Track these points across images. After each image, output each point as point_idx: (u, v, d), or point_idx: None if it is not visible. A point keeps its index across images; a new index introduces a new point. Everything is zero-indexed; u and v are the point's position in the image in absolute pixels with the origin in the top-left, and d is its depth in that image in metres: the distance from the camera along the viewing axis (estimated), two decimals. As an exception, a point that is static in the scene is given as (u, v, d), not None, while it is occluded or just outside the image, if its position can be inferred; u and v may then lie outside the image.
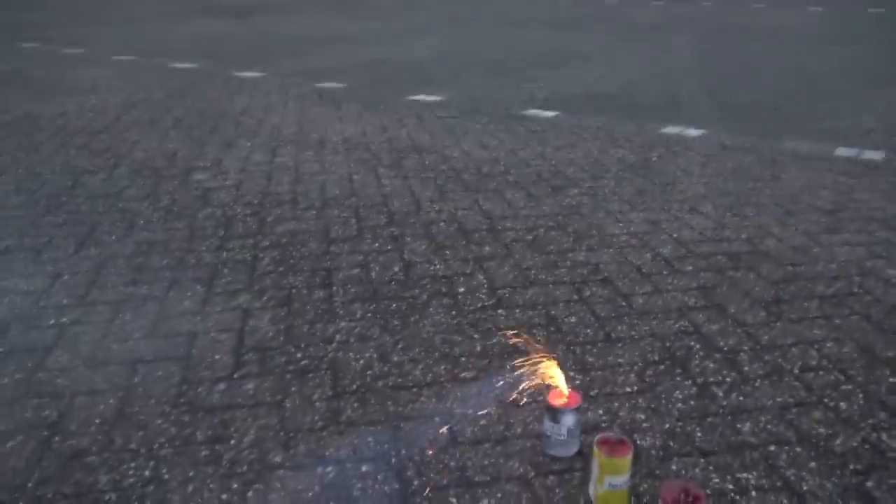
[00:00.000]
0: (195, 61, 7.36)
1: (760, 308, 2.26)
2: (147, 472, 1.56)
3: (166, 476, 1.55)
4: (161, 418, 1.75)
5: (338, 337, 2.10)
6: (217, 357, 2.00)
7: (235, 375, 1.92)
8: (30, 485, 1.53)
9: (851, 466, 1.57)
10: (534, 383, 1.78)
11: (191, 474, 1.56)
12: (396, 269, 2.55)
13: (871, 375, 1.91)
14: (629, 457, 1.44)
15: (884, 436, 1.67)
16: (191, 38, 9.30)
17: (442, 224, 2.97)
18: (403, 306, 2.28)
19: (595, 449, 1.45)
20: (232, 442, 1.66)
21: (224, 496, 1.49)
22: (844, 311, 2.25)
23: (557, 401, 1.59)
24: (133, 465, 1.59)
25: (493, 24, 10.85)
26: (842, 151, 4.10)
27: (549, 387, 1.64)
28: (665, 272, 2.53)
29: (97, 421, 1.74)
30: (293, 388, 1.86)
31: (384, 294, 2.36)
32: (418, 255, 2.66)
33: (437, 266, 2.57)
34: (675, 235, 2.86)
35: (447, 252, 2.69)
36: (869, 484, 1.52)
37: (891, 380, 1.89)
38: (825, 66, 7.12)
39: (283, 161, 3.86)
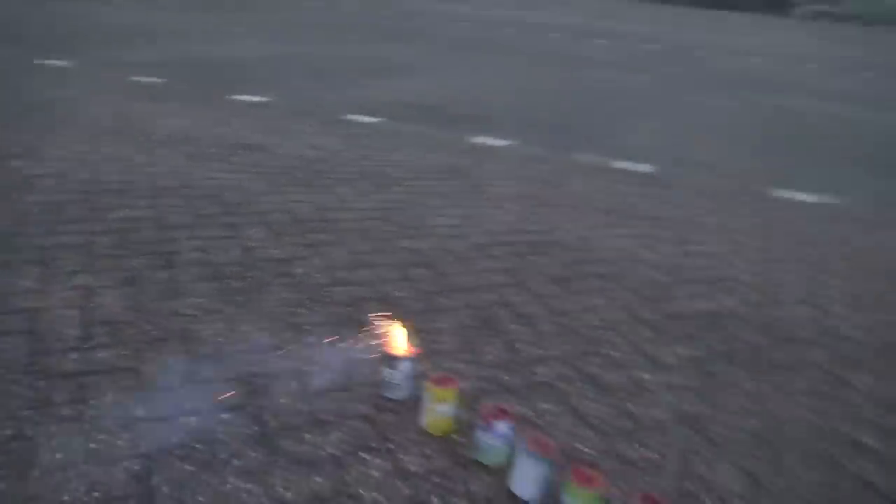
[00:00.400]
0: (-12, 45, 6.84)
1: (553, 283, 2.74)
2: (9, 431, 1.65)
3: (30, 433, 1.66)
4: (15, 385, 1.83)
5: (186, 311, 2.26)
6: (65, 330, 2.08)
7: (86, 346, 2.02)
8: None
9: (621, 394, 2.04)
10: (374, 342, 2.09)
11: (54, 429, 1.67)
12: (237, 252, 2.73)
13: (635, 332, 2.42)
14: (454, 389, 1.79)
15: (643, 374, 2.17)
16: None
17: (276, 214, 3.18)
18: (246, 285, 2.47)
19: (427, 384, 1.79)
20: (92, 402, 1.79)
21: (92, 446, 1.63)
22: (616, 285, 2.78)
23: (395, 352, 1.91)
24: (-4, 422, 1.67)
25: (314, 31, 11.01)
26: (619, 164, 4.82)
27: (387, 343, 1.94)
28: (477, 256, 2.94)
29: (-50, 387, 1.78)
30: (148, 355, 2.00)
31: (226, 274, 2.54)
32: (256, 241, 2.86)
33: (275, 251, 2.79)
34: (485, 227, 3.29)
35: (285, 238, 2.91)
36: (630, 405, 1.99)
37: (648, 334, 2.42)
38: (610, 90, 8.13)
39: (108, 151, 3.83)
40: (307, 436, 1.74)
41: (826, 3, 50.84)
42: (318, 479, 1.60)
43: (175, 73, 6.31)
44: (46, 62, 6.32)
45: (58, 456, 1.58)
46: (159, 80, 5.97)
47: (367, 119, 5.38)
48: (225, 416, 1.78)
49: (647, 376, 2.17)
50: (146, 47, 7.71)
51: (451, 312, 2.43)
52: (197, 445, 1.66)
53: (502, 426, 1.69)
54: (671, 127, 6.40)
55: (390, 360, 1.90)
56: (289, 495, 1.54)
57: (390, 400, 1.90)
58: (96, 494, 1.48)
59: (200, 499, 1.50)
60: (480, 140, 5.09)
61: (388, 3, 18.21)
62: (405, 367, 1.90)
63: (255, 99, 5.65)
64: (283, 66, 7.47)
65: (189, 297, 2.34)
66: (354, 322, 2.27)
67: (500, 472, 1.67)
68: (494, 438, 1.70)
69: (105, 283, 2.39)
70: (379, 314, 2.32)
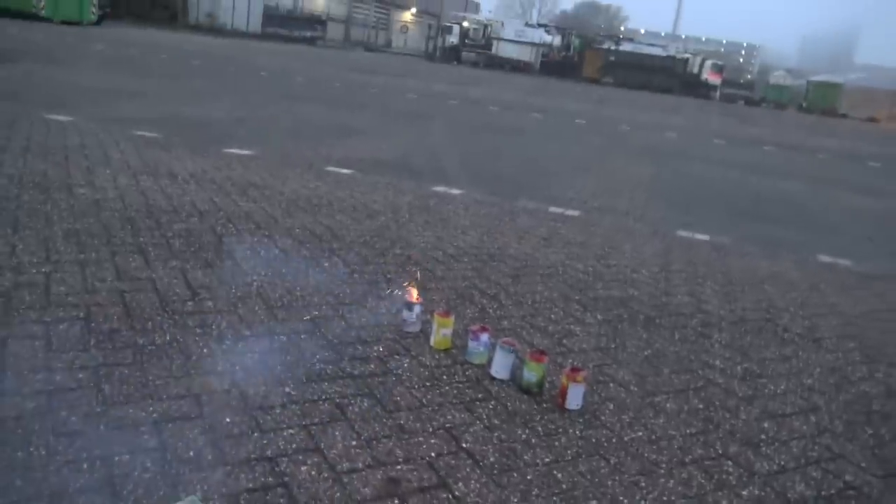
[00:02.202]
0: (-7, 100, 7.60)
1: (508, 278, 3.79)
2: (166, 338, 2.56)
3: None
4: (159, 319, 2.73)
5: (254, 278, 3.19)
6: (178, 290, 3.00)
7: (195, 299, 2.94)
8: None
9: (557, 336, 3.07)
10: (398, 293, 3.09)
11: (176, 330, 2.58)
12: (276, 252, 3.69)
13: (567, 306, 3.48)
14: (452, 318, 2.79)
15: (573, 327, 3.21)
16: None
17: (297, 231, 4.15)
18: (288, 275, 3.42)
19: (433, 316, 2.79)
20: (198, 330, 2.71)
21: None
22: (553, 280, 3.85)
23: (411, 299, 2.91)
24: None
25: (277, 98, 12.07)
26: (553, 209, 5.96)
27: (407, 294, 2.94)
28: (452, 262, 3.97)
29: None
30: (232, 307, 2.93)
31: (273, 270, 3.49)
32: (290, 249, 3.81)
33: (306, 252, 3.75)
34: (454, 244, 4.34)
35: (308, 247, 3.88)
36: (565, 341, 3.02)
37: (576, 307, 3.48)
38: (545, 155, 9.42)
39: (147, 185, 4.74)
40: (360, 347, 2.71)
41: (743, 87, 55.27)
42: (371, 366, 2.56)
43: (168, 129, 7.21)
44: (52, 117, 7.14)
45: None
46: (158, 135, 6.87)
47: (343, 170, 6.40)
48: (304, 337, 2.73)
49: (575, 328, 3.21)
50: (133, 107, 8.59)
51: (438, 292, 3.44)
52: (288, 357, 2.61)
53: (485, 336, 2.70)
54: (596, 184, 7.64)
55: (409, 304, 2.90)
56: (356, 372, 2.50)
57: (408, 333, 2.89)
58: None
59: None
60: (439, 188, 6.17)
61: (336, 76, 19.51)
62: (418, 309, 2.90)
63: (245, 152, 6.61)
64: (258, 127, 8.48)
65: (250, 276, 3.28)
66: (380, 288, 3.25)
67: (483, 367, 2.67)
68: (479, 345, 2.70)
69: (189, 266, 3.30)
70: (404, 280, 3.31)
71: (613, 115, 19.23)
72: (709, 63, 49.50)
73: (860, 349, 3.48)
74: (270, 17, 42.70)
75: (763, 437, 2.49)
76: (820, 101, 46.31)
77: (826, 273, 4.99)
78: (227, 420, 2.13)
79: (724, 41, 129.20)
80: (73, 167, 4.96)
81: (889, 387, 3.07)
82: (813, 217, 7.49)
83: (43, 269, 3.06)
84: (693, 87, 46.76)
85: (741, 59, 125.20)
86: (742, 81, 63.43)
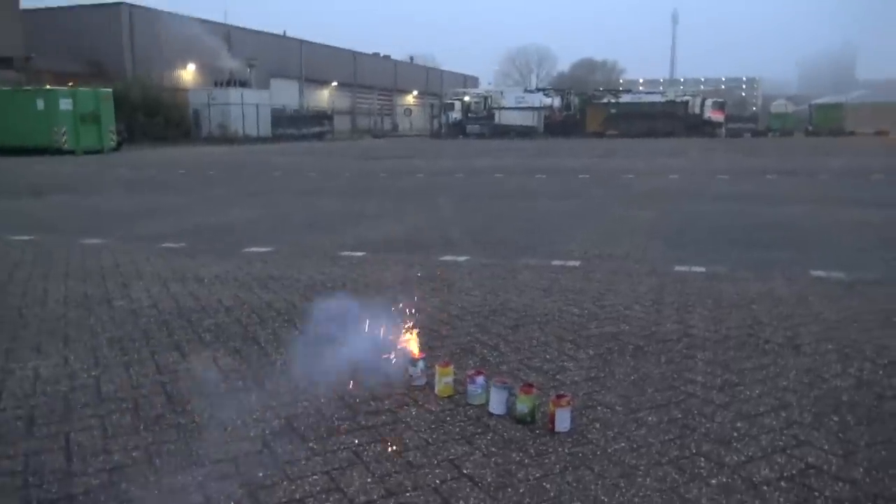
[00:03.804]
0: (31, 234, 8.25)
1: (506, 328, 4.15)
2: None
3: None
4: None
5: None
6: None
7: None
8: None
9: (551, 373, 3.41)
10: (404, 352, 3.46)
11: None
12: (295, 331, 4.09)
13: (561, 346, 3.82)
14: (451, 367, 3.16)
15: (566, 364, 3.55)
16: (3, 215, 10.04)
17: (314, 312, 4.57)
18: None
19: (436, 367, 3.15)
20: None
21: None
22: (549, 325, 4.20)
23: (414, 356, 3.28)
24: None
25: (290, 196, 12.76)
26: (555, 262, 6.34)
27: (410, 352, 3.32)
28: (456, 321, 4.35)
29: None
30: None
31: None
32: (319, 325, 4.22)
33: (319, 329, 4.15)
34: (458, 305, 4.72)
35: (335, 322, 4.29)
36: (558, 376, 3.36)
37: (569, 346, 3.82)
38: (548, 213, 9.86)
39: (177, 290, 5.22)
40: (372, 403, 3.07)
41: (748, 121, 55.93)
42: (383, 417, 2.92)
43: (191, 239, 7.78)
44: (86, 242, 7.74)
45: (241, 419, 2.88)
46: (183, 245, 7.42)
47: (356, 253, 6.87)
48: (323, 401, 3.10)
49: (568, 364, 3.55)
50: (157, 223, 9.23)
51: (443, 348, 3.80)
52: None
53: (480, 379, 3.05)
54: (597, 234, 8.01)
55: (412, 362, 3.27)
56: (364, 423, 2.86)
57: (415, 386, 3.25)
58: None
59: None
60: (446, 258, 6.59)
61: (345, 167, 20.39)
62: (421, 365, 3.27)
63: (264, 249, 7.12)
64: (275, 224, 9.05)
65: (274, 356, 3.68)
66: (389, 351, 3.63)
67: (483, 407, 3.01)
68: (477, 388, 3.05)
69: (220, 354, 3.72)
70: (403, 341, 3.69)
71: (616, 166, 19.76)
72: (709, 102, 50.41)
73: (837, 350, 3.75)
74: (278, 119, 44.59)
75: (735, 434, 2.78)
76: (825, 122, 46.76)
77: (816, 286, 5.27)
78: (260, 474, 2.49)
79: (724, 78, 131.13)
80: (109, 284, 5.47)
81: (860, 379, 3.35)
82: (809, 236, 7.77)
83: (93, 373, 3.50)
84: (697, 127, 47.49)
85: (743, 94, 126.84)
86: (748, 115, 64.23)
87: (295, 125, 45.77)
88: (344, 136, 49.75)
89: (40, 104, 26.47)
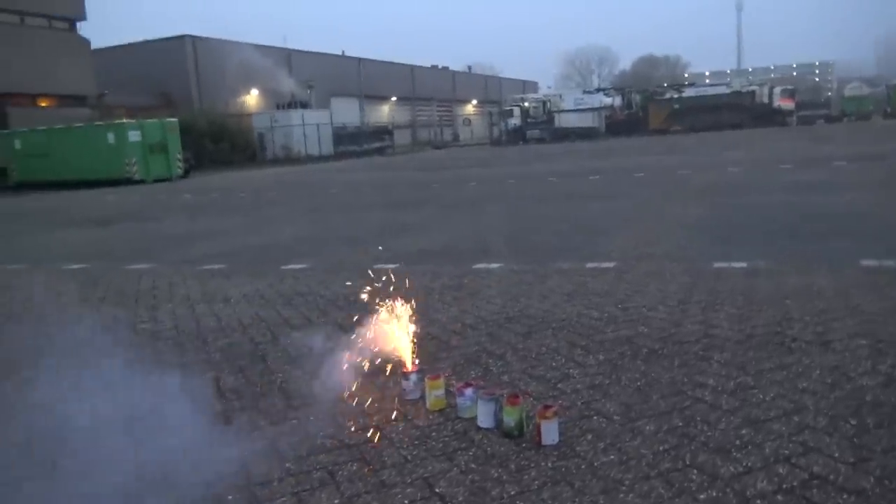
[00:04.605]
0: (84, 262, 8.56)
1: (518, 336, 4.01)
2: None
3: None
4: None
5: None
6: (209, 397, 3.39)
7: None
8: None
9: (553, 381, 3.25)
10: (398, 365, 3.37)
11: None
12: (304, 348, 4.06)
13: (571, 352, 3.66)
14: (442, 380, 3.05)
15: (571, 371, 3.38)
16: (66, 245, 10.48)
17: (328, 326, 4.53)
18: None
19: (426, 379, 3.05)
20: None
21: (241, 437, 2.89)
22: (563, 331, 4.04)
23: (407, 369, 3.18)
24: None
25: (341, 212, 12.88)
26: (589, 265, 6.13)
27: (403, 365, 3.23)
28: (468, 331, 4.23)
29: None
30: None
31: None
32: (312, 342, 4.18)
33: (329, 345, 4.11)
34: (475, 314, 4.60)
35: (334, 338, 4.24)
36: (560, 385, 3.20)
37: (579, 352, 3.64)
38: (594, 215, 9.61)
39: (202, 310, 5.29)
40: (361, 419, 2.99)
41: (821, 106, 53.71)
42: (368, 434, 2.84)
43: (233, 259, 7.90)
44: (132, 267, 7.97)
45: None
46: (223, 266, 7.55)
47: (389, 265, 6.81)
48: (311, 419, 3.04)
49: (573, 371, 3.38)
50: (206, 245, 9.43)
51: (449, 359, 3.70)
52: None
53: (469, 391, 2.93)
54: (640, 234, 7.74)
55: (405, 375, 3.18)
56: (348, 440, 2.78)
57: (408, 400, 3.15)
58: (250, 449, 2.73)
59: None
60: (479, 266, 6.47)
61: (401, 179, 20.51)
62: (414, 378, 3.17)
63: (300, 266, 7.16)
64: (319, 240, 9.12)
65: (275, 374, 3.65)
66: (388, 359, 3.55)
67: (473, 421, 2.88)
68: (466, 400, 2.93)
69: (224, 374, 3.71)
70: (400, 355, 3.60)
71: (675, 162, 19.19)
72: (778, 90, 48.61)
73: (870, 345, 3.46)
74: (340, 136, 45.36)
75: (737, 443, 2.57)
76: (904, 102, 44.31)
77: (861, 277, 4.91)
78: (230, 497, 2.44)
79: (794, 65, 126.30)
80: (140, 307, 5.60)
81: (890, 377, 3.06)
82: (868, 225, 7.29)
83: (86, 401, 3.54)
84: (766, 116, 45.81)
85: (816, 79, 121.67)
86: (822, 100, 61.59)
87: (356, 142, 46.46)
88: (404, 150, 50.16)
89: (111, 138, 27.69)
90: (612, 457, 2.54)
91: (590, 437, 2.71)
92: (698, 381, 3.16)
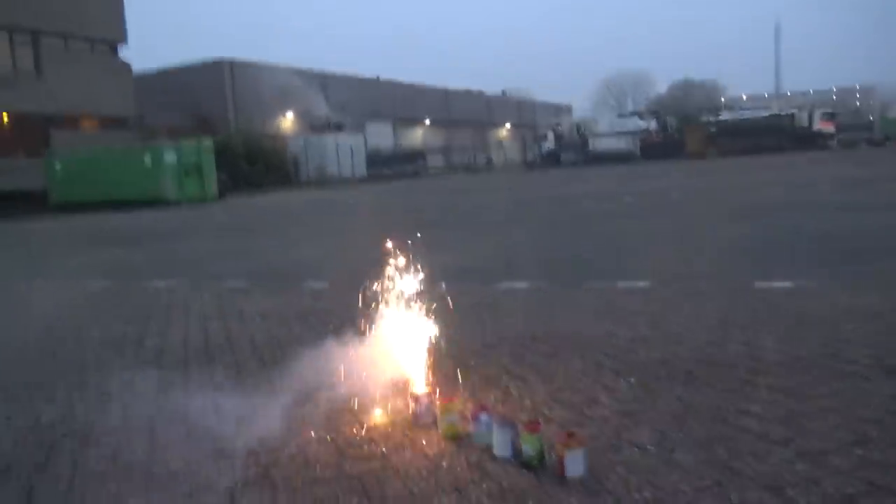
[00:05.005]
0: (110, 279, 8.46)
1: (543, 357, 3.69)
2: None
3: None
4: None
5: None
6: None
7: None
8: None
9: (580, 406, 2.94)
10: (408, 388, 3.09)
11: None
12: (311, 362, 3.80)
13: (599, 374, 3.34)
14: (456, 403, 2.75)
15: (599, 395, 3.07)
16: (91, 265, 10.42)
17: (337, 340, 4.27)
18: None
19: (437, 403, 2.76)
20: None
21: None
22: (592, 352, 3.72)
23: (418, 393, 2.90)
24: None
25: (368, 233, 12.69)
26: (621, 284, 5.80)
27: (414, 388, 2.95)
28: (489, 350, 3.93)
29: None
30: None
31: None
32: (319, 357, 3.92)
33: (337, 361, 3.84)
34: (497, 334, 4.30)
35: (341, 354, 3.98)
36: (586, 410, 2.88)
37: (609, 375, 3.32)
38: (628, 235, 9.26)
39: (214, 328, 5.08)
40: (365, 447, 2.71)
41: (863, 129, 52.59)
42: (372, 464, 2.55)
43: (255, 278, 7.70)
44: (154, 284, 7.83)
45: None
46: (244, 284, 7.36)
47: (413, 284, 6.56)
48: (311, 444, 2.77)
49: (601, 396, 3.07)
50: (230, 264, 9.29)
51: (466, 380, 3.40)
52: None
53: (484, 416, 2.63)
54: (678, 253, 7.38)
55: (414, 399, 2.89)
56: (349, 470, 2.49)
57: (419, 425, 2.86)
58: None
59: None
60: (505, 285, 6.18)
61: (432, 202, 20.35)
62: (425, 401, 2.89)
63: (318, 285, 6.94)
64: (340, 260, 8.91)
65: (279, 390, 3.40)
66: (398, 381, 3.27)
67: (488, 448, 2.59)
68: (481, 426, 2.63)
69: (223, 392, 3.47)
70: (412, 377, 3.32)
71: (710, 183, 18.73)
72: (818, 113, 47.73)
73: (940, 370, 3.08)
74: (373, 159, 45.61)
75: (790, 479, 2.23)
76: (949, 124, 43.09)
77: (921, 298, 4.51)
78: (212, 530, 2.18)
79: (834, 88, 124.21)
80: (152, 324, 5.41)
81: (966, 405, 2.69)
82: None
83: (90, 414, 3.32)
84: (806, 140, 44.93)
85: (857, 103, 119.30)
86: (863, 123, 60.30)
87: (389, 165, 46.67)
88: (438, 173, 50.20)
89: (147, 160, 28.09)
90: (646, 493, 2.21)
91: (620, 469, 2.39)
92: (743, 409, 2.82)
